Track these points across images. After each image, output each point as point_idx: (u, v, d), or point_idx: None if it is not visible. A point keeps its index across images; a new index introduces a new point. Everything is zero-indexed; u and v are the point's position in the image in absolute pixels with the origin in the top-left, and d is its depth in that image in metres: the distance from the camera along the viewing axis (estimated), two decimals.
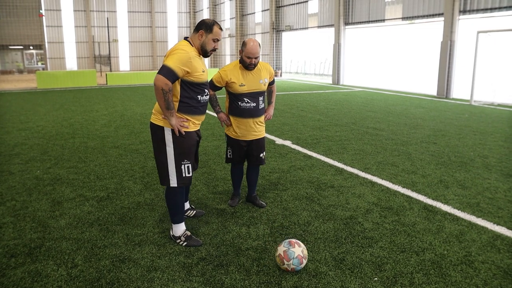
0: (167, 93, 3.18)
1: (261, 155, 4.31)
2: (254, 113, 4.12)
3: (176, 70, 3.21)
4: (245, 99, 4.06)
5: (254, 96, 4.09)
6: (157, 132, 3.41)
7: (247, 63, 3.96)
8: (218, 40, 3.48)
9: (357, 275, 3.07)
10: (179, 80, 3.34)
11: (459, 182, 5.23)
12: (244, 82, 4.02)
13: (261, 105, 4.19)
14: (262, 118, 4.24)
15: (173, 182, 3.44)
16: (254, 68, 4.03)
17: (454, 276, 3.06)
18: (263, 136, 4.29)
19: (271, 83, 4.38)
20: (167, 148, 3.39)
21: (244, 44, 3.95)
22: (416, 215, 4.20)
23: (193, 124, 3.48)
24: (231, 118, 4.17)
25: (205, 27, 3.42)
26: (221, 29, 3.51)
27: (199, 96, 3.45)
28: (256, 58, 3.95)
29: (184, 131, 3.38)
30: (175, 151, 3.39)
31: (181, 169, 3.44)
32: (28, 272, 3.10)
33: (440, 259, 3.30)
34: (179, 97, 3.38)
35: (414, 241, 3.62)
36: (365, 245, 3.54)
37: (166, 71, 3.19)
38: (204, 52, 3.49)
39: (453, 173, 5.64)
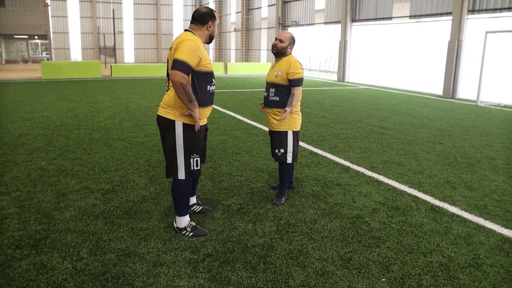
0: (186, 86, 3.19)
1: (276, 151, 4.33)
2: (266, 102, 4.35)
3: (189, 61, 3.21)
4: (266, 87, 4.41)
5: (267, 86, 4.35)
6: (166, 125, 3.40)
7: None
8: None
9: (364, 275, 3.04)
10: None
11: (466, 183, 5.19)
12: (272, 72, 4.33)
13: (272, 97, 4.26)
14: (273, 111, 4.28)
15: (181, 175, 3.47)
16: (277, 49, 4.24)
17: (462, 279, 3.03)
18: (277, 130, 4.30)
19: (292, 84, 4.14)
20: (177, 141, 3.39)
21: None
22: (423, 215, 4.16)
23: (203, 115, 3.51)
24: None
25: (210, 17, 3.51)
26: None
27: (208, 86, 3.48)
28: (280, 41, 4.25)
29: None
30: (184, 145, 3.40)
31: (190, 162, 3.46)
32: (33, 264, 3.08)
33: (448, 261, 3.27)
34: None
35: (422, 242, 3.59)
36: (372, 245, 3.51)
37: (180, 65, 3.18)
38: (211, 39, 3.62)
39: (460, 174, 5.59)
